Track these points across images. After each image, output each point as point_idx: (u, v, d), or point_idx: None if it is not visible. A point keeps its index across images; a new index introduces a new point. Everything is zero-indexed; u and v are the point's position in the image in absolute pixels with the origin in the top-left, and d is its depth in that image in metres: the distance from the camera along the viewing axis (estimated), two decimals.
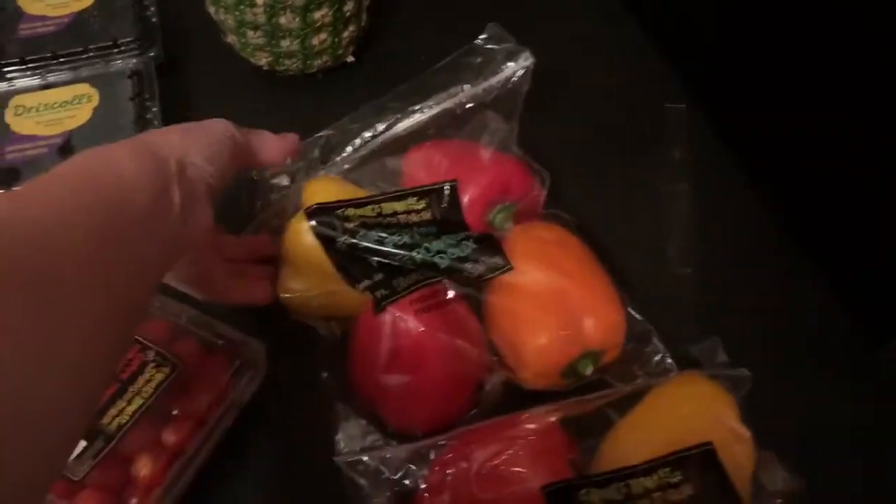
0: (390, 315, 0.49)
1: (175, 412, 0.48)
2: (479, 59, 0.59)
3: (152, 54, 0.69)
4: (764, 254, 0.62)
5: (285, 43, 0.66)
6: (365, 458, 0.46)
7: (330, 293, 0.51)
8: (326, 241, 0.50)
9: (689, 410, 0.47)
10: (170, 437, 0.47)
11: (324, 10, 0.65)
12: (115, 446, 0.45)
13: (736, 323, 0.56)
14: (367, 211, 0.51)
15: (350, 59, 0.71)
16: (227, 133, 0.47)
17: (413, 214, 0.52)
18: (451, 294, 0.50)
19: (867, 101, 0.57)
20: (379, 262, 0.50)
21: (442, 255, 0.50)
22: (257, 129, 0.51)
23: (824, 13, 0.59)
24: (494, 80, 0.59)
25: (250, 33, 0.66)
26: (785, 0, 0.63)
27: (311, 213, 0.50)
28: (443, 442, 0.46)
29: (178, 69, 0.72)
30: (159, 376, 0.48)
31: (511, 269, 0.50)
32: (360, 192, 0.53)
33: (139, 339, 0.49)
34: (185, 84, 0.71)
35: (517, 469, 0.44)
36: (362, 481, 0.46)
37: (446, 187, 0.52)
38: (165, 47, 0.70)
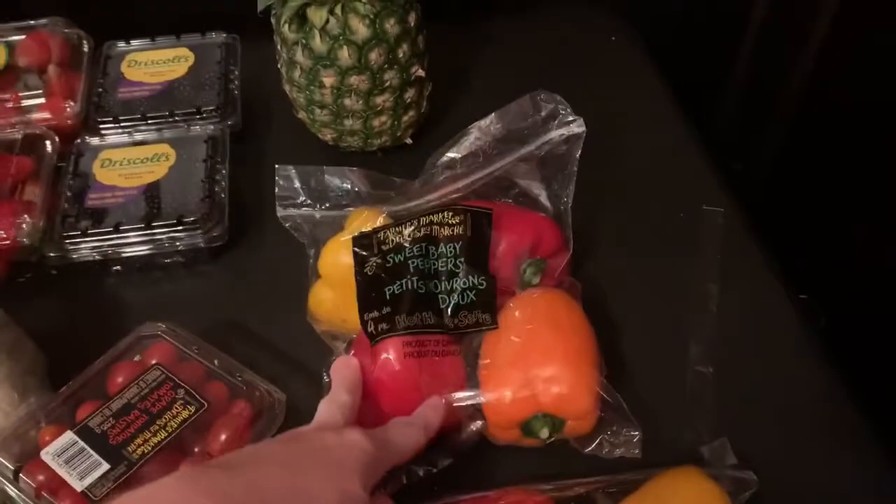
0: (383, 349, 0.53)
1: (196, 448, 0.52)
2: (529, 120, 0.61)
3: (230, 123, 0.76)
4: (792, 363, 0.63)
5: (348, 122, 0.72)
6: None
7: (353, 310, 0.56)
8: (359, 263, 0.55)
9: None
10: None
11: (385, 96, 0.70)
12: (135, 473, 0.49)
13: (753, 428, 0.57)
14: (405, 227, 0.56)
15: (408, 140, 0.77)
16: (357, 462, 0.43)
17: (446, 228, 0.56)
18: (444, 347, 0.54)
19: None
20: (392, 294, 0.54)
21: (446, 296, 0.55)
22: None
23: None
24: (546, 138, 0.61)
25: (318, 111, 0.72)
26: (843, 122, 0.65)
27: (356, 235, 0.56)
28: None
29: (252, 137, 0.78)
30: (185, 413, 0.52)
31: (495, 328, 0.55)
32: None
33: (172, 377, 0.54)
34: (256, 151, 0.77)
35: None
36: None
37: (484, 210, 0.57)
38: (244, 117, 0.77)
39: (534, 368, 0.52)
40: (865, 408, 0.59)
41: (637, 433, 0.53)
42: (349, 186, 0.62)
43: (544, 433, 0.52)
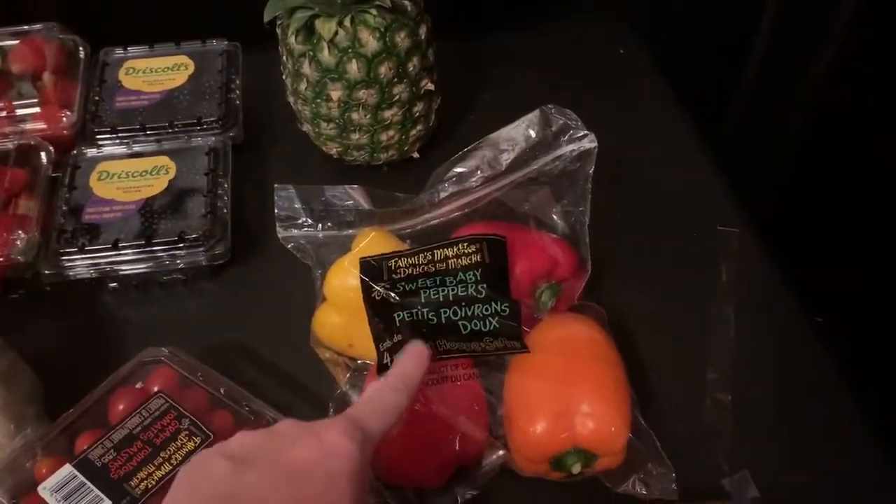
0: None
1: None
2: (539, 135, 0.60)
3: (231, 134, 0.73)
4: (809, 387, 0.61)
5: (355, 136, 0.70)
6: None
7: (360, 334, 0.54)
8: (367, 288, 0.54)
9: None
10: None
11: (394, 110, 0.68)
12: None
13: (775, 459, 0.55)
14: (419, 259, 0.55)
15: (415, 155, 0.74)
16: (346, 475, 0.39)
17: (463, 258, 0.55)
18: (464, 370, 0.53)
19: None
20: (403, 321, 0.52)
21: (466, 322, 0.52)
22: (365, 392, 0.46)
23: None
24: (557, 153, 0.60)
25: (324, 125, 0.70)
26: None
27: (363, 260, 0.55)
28: None
29: (255, 150, 0.76)
30: (190, 445, 0.50)
31: (526, 351, 0.53)
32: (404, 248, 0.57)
33: (177, 405, 0.51)
34: (259, 164, 0.75)
35: None
36: None
37: (498, 238, 0.56)
38: (245, 129, 0.75)
39: (570, 401, 0.50)
40: (892, 437, 0.58)
41: (672, 473, 0.51)
42: (352, 204, 0.60)
43: (576, 468, 0.50)
